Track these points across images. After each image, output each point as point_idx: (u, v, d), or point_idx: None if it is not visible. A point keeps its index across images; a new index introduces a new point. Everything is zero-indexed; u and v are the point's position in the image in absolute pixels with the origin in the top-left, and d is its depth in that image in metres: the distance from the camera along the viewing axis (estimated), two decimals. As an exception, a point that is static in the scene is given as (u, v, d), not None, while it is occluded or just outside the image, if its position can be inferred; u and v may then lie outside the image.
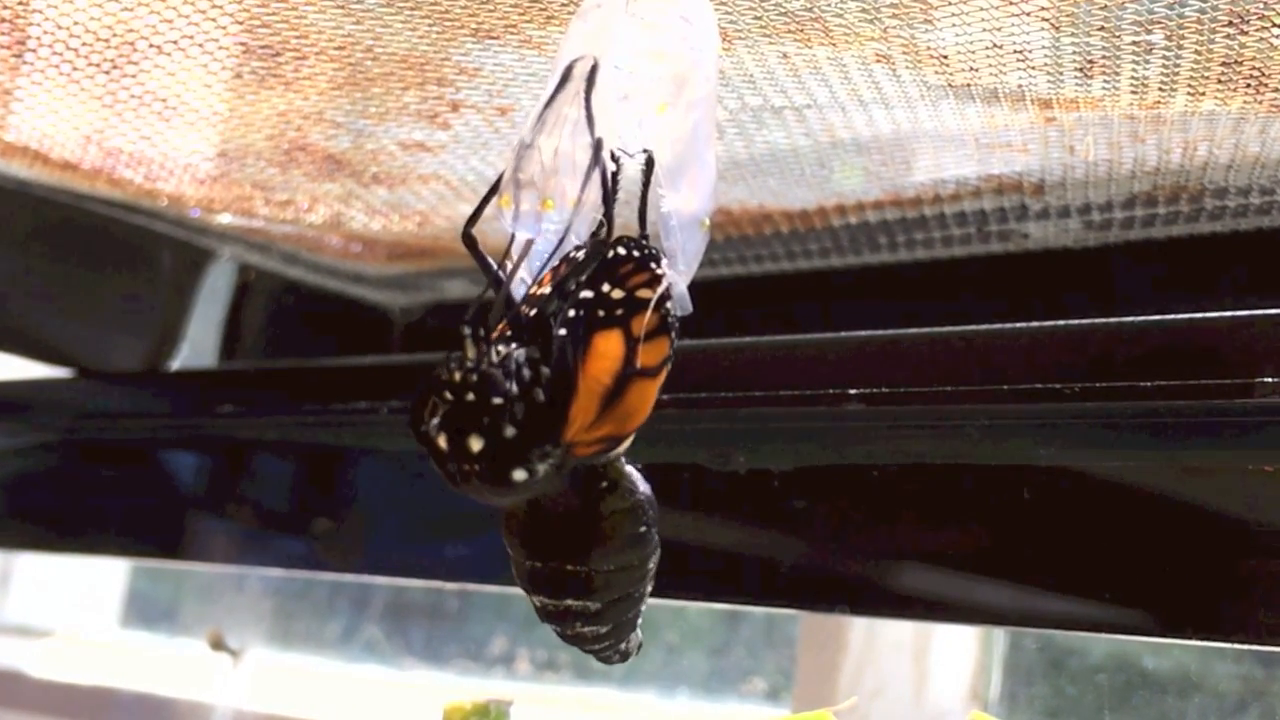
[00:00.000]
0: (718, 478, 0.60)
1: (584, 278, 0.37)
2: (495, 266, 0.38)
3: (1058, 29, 0.47)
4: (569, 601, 0.40)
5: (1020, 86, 0.52)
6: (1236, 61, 0.47)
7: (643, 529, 0.40)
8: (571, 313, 0.37)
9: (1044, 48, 0.48)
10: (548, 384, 0.36)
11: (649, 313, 0.37)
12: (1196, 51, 0.47)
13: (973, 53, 0.49)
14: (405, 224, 0.75)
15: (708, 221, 0.40)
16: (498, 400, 0.35)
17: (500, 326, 0.37)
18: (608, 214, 0.38)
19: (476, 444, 0.35)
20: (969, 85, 0.52)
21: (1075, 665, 0.75)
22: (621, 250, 0.38)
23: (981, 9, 0.46)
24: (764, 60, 0.52)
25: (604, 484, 0.40)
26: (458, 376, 0.35)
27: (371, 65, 0.56)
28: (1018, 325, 0.53)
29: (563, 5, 0.50)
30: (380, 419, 0.70)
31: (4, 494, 0.93)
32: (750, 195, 0.66)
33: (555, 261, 0.38)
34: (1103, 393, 0.50)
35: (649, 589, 0.41)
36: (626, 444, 0.39)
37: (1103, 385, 0.50)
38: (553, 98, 0.38)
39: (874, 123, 0.57)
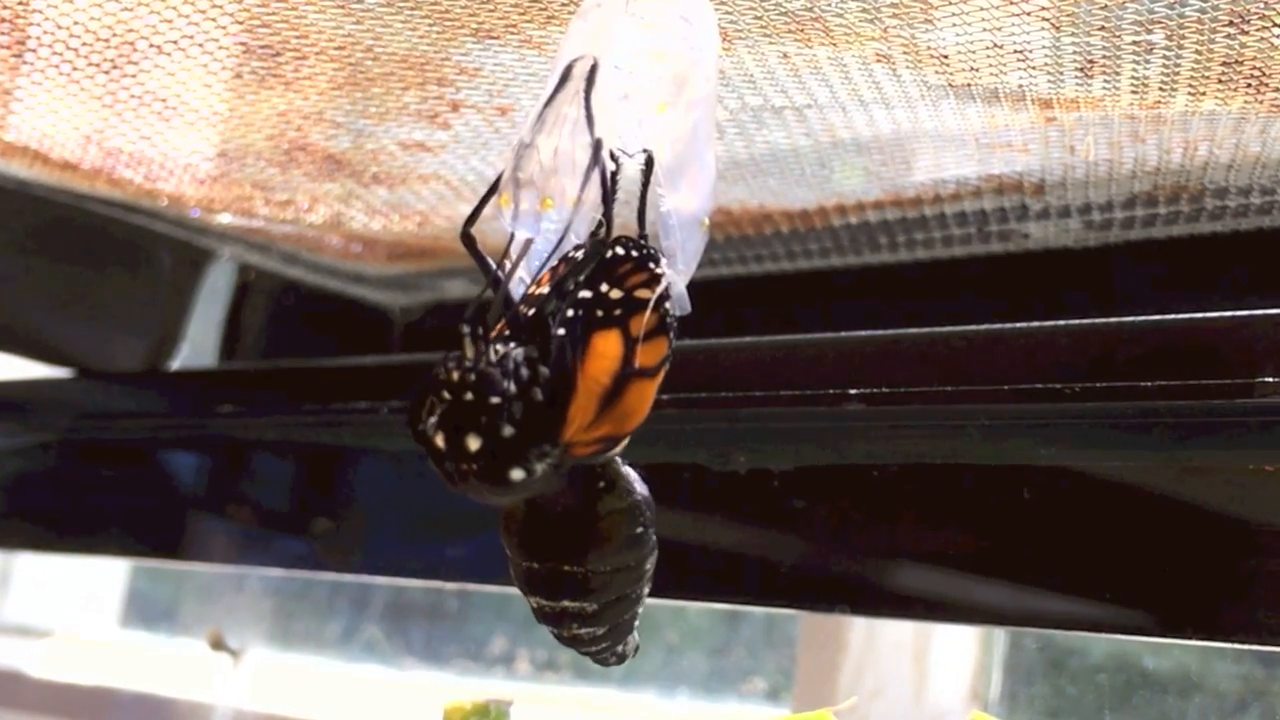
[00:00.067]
0: (718, 478, 0.60)
1: (582, 277, 0.37)
2: (494, 266, 0.38)
3: (1058, 29, 0.47)
4: (565, 603, 0.40)
5: (1021, 86, 0.52)
6: (1237, 61, 0.47)
7: (640, 530, 0.40)
8: (570, 312, 0.37)
9: (1044, 47, 0.48)
10: (546, 384, 0.36)
11: (648, 313, 0.37)
12: (1197, 51, 0.47)
13: (973, 52, 0.49)
14: (405, 224, 0.75)
15: (707, 221, 0.40)
16: (495, 400, 0.35)
17: (499, 326, 0.37)
18: (607, 214, 0.38)
19: (474, 443, 0.35)
20: (969, 85, 0.52)
21: (1076, 665, 0.75)
22: (620, 250, 0.38)
23: (982, 9, 0.46)
24: (764, 60, 0.52)
25: (601, 484, 0.40)
26: (456, 376, 0.35)
27: (372, 65, 0.56)
28: (1018, 325, 0.53)
29: (563, 5, 0.49)
30: (380, 419, 0.70)
31: (4, 494, 0.93)
32: (750, 195, 0.66)
33: (554, 261, 0.38)
34: (1103, 393, 0.50)
35: (646, 590, 0.41)
36: (623, 444, 0.39)
37: (1103, 385, 0.50)
38: (552, 97, 0.38)
39: (874, 122, 0.57)
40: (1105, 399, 0.50)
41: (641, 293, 0.37)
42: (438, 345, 0.36)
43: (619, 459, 0.40)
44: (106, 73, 0.58)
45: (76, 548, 0.95)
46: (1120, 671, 0.73)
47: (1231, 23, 0.45)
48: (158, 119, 0.63)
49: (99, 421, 0.87)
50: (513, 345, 0.36)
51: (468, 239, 0.39)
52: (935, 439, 0.56)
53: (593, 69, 0.37)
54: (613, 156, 0.38)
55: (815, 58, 0.51)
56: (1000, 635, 0.76)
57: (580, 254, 0.38)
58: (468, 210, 0.39)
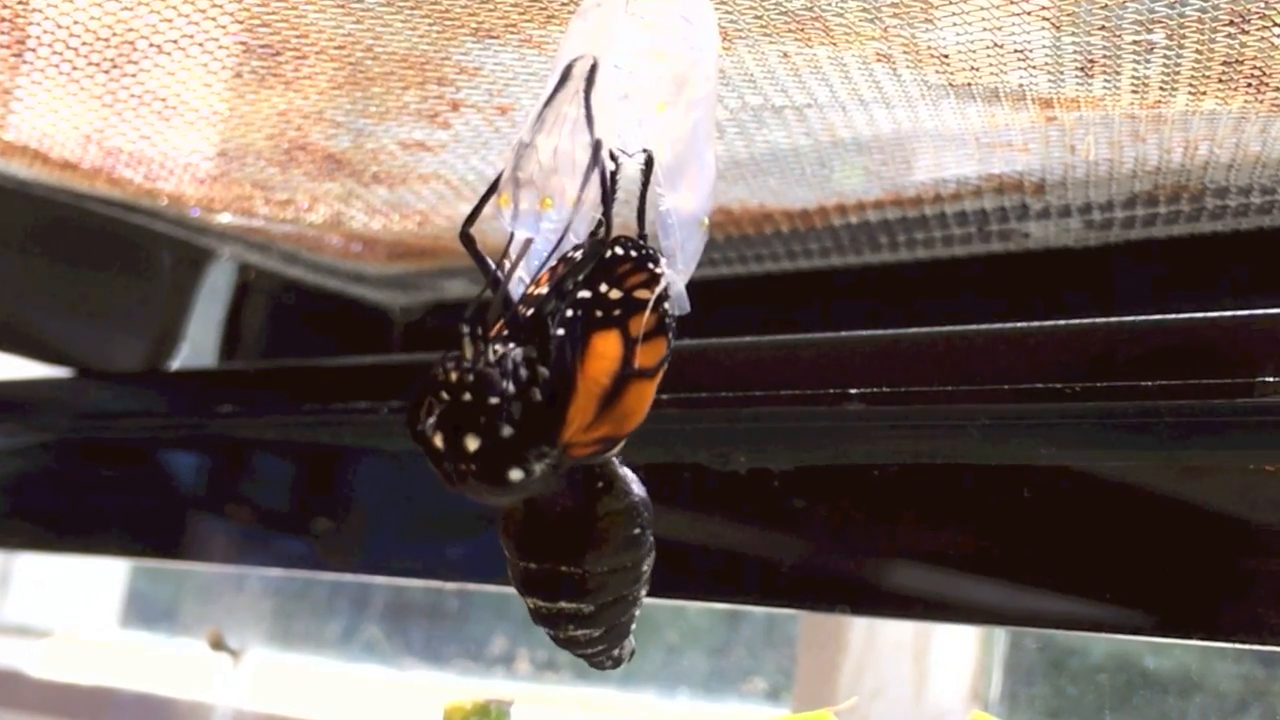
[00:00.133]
0: (718, 477, 0.60)
1: (582, 277, 0.37)
2: (493, 266, 0.38)
3: (1058, 28, 0.46)
4: (563, 604, 0.39)
5: (1021, 86, 0.52)
6: (1238, 61, 0.47)
7: (638, 531, 0.40)
8: (569, 313, 0.37)
9: (1045, 47, 0.48)
10: (545, 384, 0.36)
11: (647, 313, 0.37)
12: (1198, 51, 0.47)
13: (973, 52, 0.49)
14: (405, 223, 0.75)
15: (707, 221, 0.40)
16: (494, 400, 0.35)
17: (498, 326, 0.37)
18: (606, 213, 0.38)
19: (473, 444, 0.35)
20: (970, 84, 0.52)
21: (1076, 665, 0.75)
22: (619, 250, 0.38)
23: (982, 8, 0.46)
24: (764, 59, 0.52)
25: (599, 484, 0.40)
26: (454, 376, 0.35)
27: (372, 64, 0.56)
28: (1018, 325, 0.53)
29: (563, 4, 0.49)
30: (380, 419, 0.70)
31: (4, 494, 0.93)
32: (750, 194, 0.66)
33: (553, 261, 0.38)
34: (1103, 392, 0.50)
35: (643, 593, 0.41)
36: (621, 444, 0.39)
37: (1103, 385, 0.50)
38: (552, 97, 0.38)
39: (875, 122, 0.57)
40: (1105, 399, 0.50)
41: (641, 293, 0.37)
42: (438, 345, 0.36)
43: (617, 460, 0.40)
44: (106, 72, 0.58)
45: (76, 548, 0.95)
46: (1121, 671, 0.73)
47: (1232, 22, 0.45)
48: (158, 118, 0.63)
49: (99, 421, 0.87)
50: (512, 346, 0.36)
51: (467, 239, 0.39)
52: (935, 439, 0.56)
53: (593, 69, 0.37)
54: (612, 156, 0.38)
55: (815, 57, 0.51)
56: (1000, 635, 0.76)
57: (579, 254, 0.38)
58: (468, 210, 0.39)
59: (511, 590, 0.41)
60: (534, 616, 0.41)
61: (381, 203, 0.72)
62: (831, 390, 0.55)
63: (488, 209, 0.38)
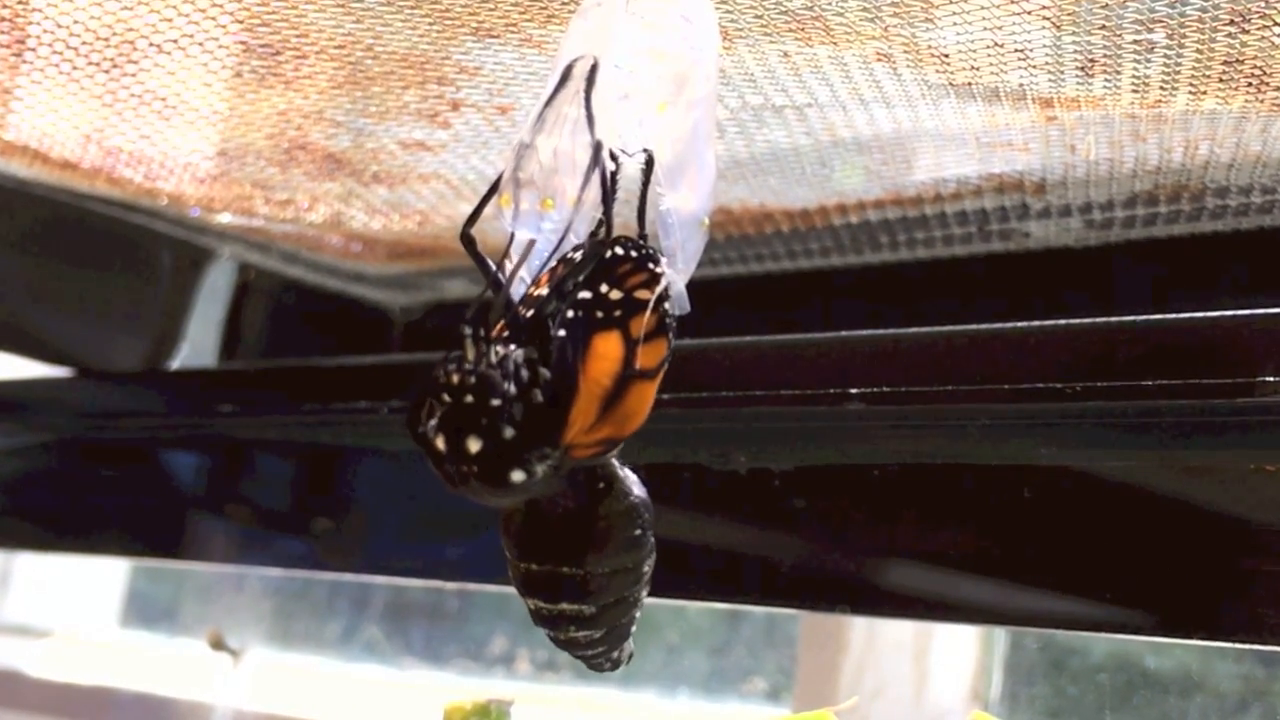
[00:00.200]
0: (718, 477, 0.60)
1: (582, 278, 0.37)
2: (494, 267, 0.38)
3: (1059, 27, 0.46)
4: (564, 605, 0.39)
5: (1021, 85, 0.51)
6: (1238, 60, 0.47)
7: (638, 531, 0.40)
8: (570, 314, 0.37)
9: (1045, 46, 0.48)
10: (547, 385, 0.36)
11: (647, 313, 0.37)
12: (1198, 50, 0.47)
13: (974, 51, 0.49)
14: (405, 223, 0.75)
15: (707, 221, 0.40)
16: (496, 402, 0.35)
17: (499, 327, 0.37)
18: (607, 214, 0.38)
19: (474, 445, 0.35)
20: (970, 84, 0.52)
21: (1076, 665, 0.75)
22: (619, 250, 0.38)
23: (982, 7, 0.46)
24: (765, 59, 0.52)
25: (600, 485, 0.40)
26: (456, 378, 0.35)
27: (372, 64, 0.56)
28: (1018, 324, 0.53)
29: (563, 4, 0.49)
30: (380, 419, 0.70)
31: (4, 494, 0.93)
32: (751, 194, 0.66)
33: (553, 262, 0.38)
34: (1104, 392, 0.50)
35: (644, 594, 0.41)
36: (621, 445, 0.39)
37: (1104, 384, 0.50)
38: (553, 97, 0.38)
39: (875, 121, 0.57)
40: (1106, 399, 0.50)
41: (641, 293, 0.37)
42: (438, 345, 0.36)
43: (617, 460, 0.40)
44: (106, 71, 0.58)
45: (76, 548, 0.95)
46: (1121, 671, 0.73)
47: (1232, 21, 0.45)
48: (158, 118, 0.63)
49: (99, 421, 0.87)
50: (513, 347, 0.36)
51: (468, 240, 0.39)
52: (935, 439, 0.56)
53: (593, 69, 0.37)
54: (613, 156, 0.38)
55: (816, 56, 0.51)
56: (1001, 635, 0.76)
57: (579, 255, 0.38)
58: (468, 209, 0.39)
59: (512, 590, 0.41)
60: (535, 618, 0.41)
61: (381, 202, 0.72)
62: (832, 390, 0.55)
63: (488, 210, 0.38)
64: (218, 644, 1.03)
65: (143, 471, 0.86)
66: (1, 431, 0.91)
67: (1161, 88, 0.50)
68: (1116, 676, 0.73)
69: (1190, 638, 0.51)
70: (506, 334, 0.37)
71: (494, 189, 0.38)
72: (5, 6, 0.54)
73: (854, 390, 0.55)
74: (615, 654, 0.42)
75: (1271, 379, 0.47)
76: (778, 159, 0.62)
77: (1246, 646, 0.57)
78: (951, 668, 0.78)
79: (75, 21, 0.55)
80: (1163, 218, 0.62)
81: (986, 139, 0.57)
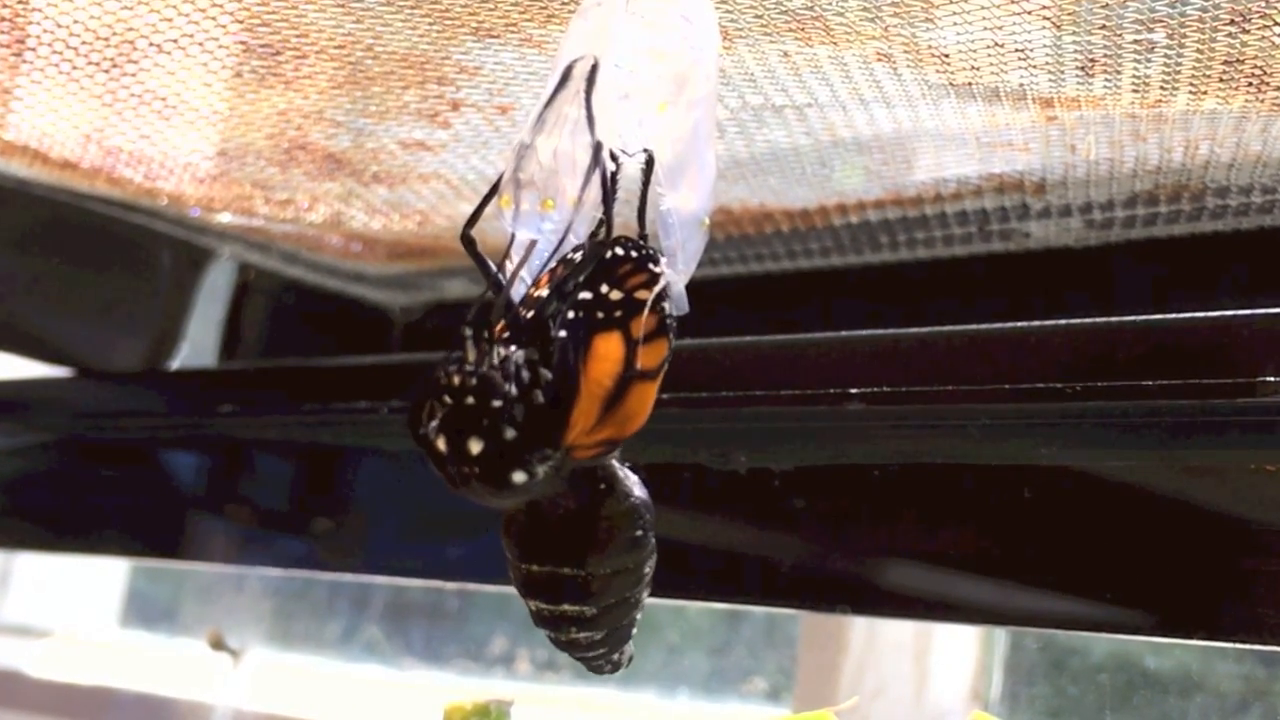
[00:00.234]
0: (718, 477, 0.60)
1: (582, 279, 0.37)
2: (494, 268, 0.38)
3: (1059, 27, 0.46)
4: (565, 606, 0.39)
5: (1022, 85, 0.51)
6: (1238, 60, 0.47)
7: (639, 532, 0.40)
8: (570, 314, 0.37)
9: (1045, 46, 0.48)
10: (548, 386, 0.36)
11: (646, 313, 0.37)
12: (1198, 50, 0.47)
13: (974, 51, 0.49)
14: (405, 223, 0.75)
15: (708, 220, 0.40)
16: (497, 403, 0.35)
17: (499, 328, 0.37)
18: (607, 214, 0.38)
19: (476, 446, 0.35)
20: (970, 84, 0.52)
21: (1077, 665, 0.75)
22: (620, 250, 0.38)
23: (983, 7, 0.46)
24: (765, 59, 0.52)
25: (602, 486, 0.39)
26: (457, 379, 0.35)
27: (372, 64, 0.56)
28: (1019, 324, 0.53)
29: (563, 4, 0.49)
30: (380, 419, 0.70)
31: (4, 494, 0.93)
32: (751, 194, 0.66)
33: (554, 263, 0.38)
34: (1104, 392, 0.50)
35: (645, 595, 0.41)
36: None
37: (1104, 384, 0.50)
38: (553, 97, 0.38)
39: (875, 121, 0.57)
40: (1106, 399, 0.50)
41: (642, 294, 0.37)
42: (438, 345, 0.36)
43: (618, 461, 0.40)
44: (106, 71, 0.58)
45: (76, 548, 0.95)
46: (1121, 671, 0.73)
47: (1233, 21, 0.45)
48: (157, 118, 0.63)
49: (99, 421, 0.87)
50: (513, 348, 0.36)
51: (468, 241, 0.39)
52: (935, 439, 0.56)
53: (593, 69, 0.37)
54: (613, 156, 0.38)
55: (816, 56, 0.51)
56: (1001, 635, 0.76)
57: (579, 255, 0.38)
58: (468, 209, 0.39)
59: (512, 590, 0.41)
60: (535, 619, 0.41)
61: (381, 202, 0.72)
62: (832, 390, 0.55)
63: (489, 210, 0.38)
64: (218, 644, 1.03)
65: (143, 471, 0.86)
66: (1, 431, 0.91)
67: (1162, 87, 0.50)
68: (1117, 676, 0.73)
69: (1190, 638, 0.51)
70: (507, 335, 0.37)
71: (494, 190, 0.38)
72: (5, 6, 0.54)
73: (854, 390, 0.55)
74: (616, 656, 0.42)
75: (1272, 379, 0.47)
76: (778, 159, 0.62)
77: (1246, 646, 0.57)
78: (951, 668, 0.78)
79: (75, 21, 0.54)
80: (1163, 218, 0.62)
81: (987, 139, 0.57)
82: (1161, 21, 0.45)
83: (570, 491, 0.39)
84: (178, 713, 1.05)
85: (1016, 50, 0.48)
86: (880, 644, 0.77)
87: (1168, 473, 0.52)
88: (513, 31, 0.52)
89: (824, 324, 0.59)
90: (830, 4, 0.47)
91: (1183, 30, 0.46)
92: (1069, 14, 0.45)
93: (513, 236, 0.38)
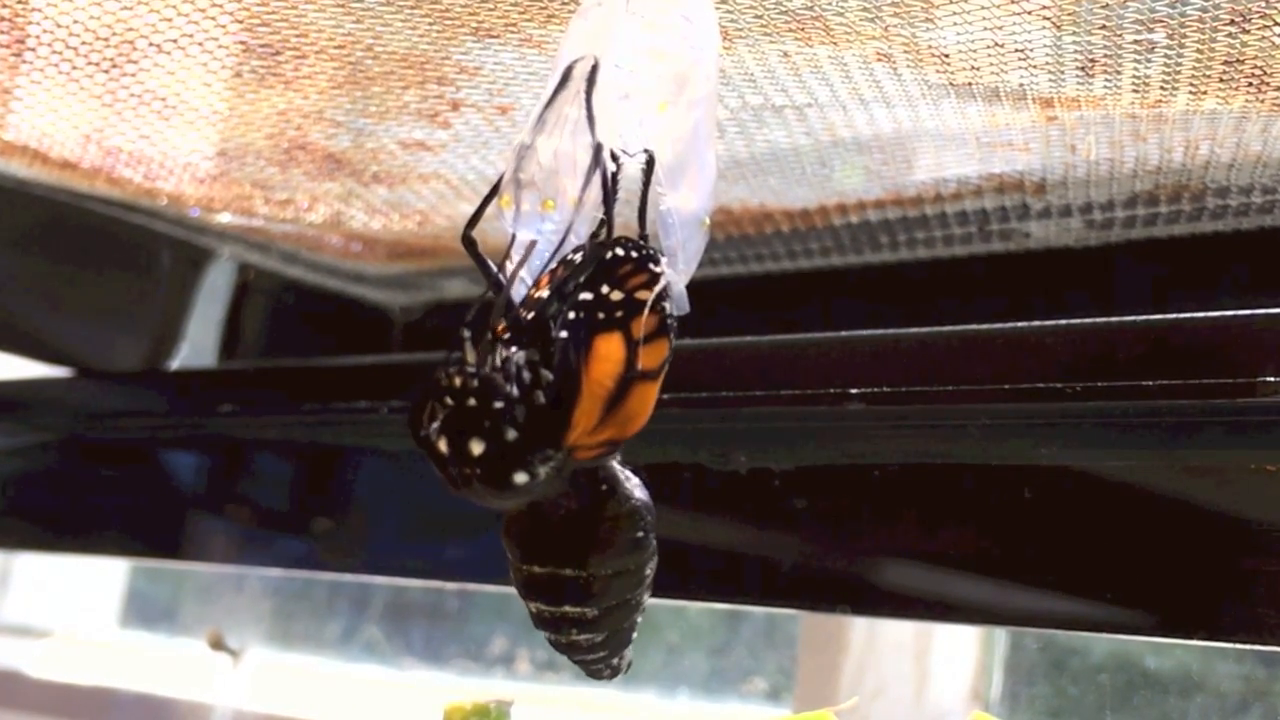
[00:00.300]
0: (718, 477, 0.60)
1: (582, 279, 0.37)
2: (495, 269, 0.38)
3: (1059, 27, 0.46)
4: (566, 607, 0.39)
5: (1022, 85, 0.51)
6: (1238, 60, 0.47)
7: (640, 534, 0.40)
8: (571, 315, 0.37)
9: (1045, 46, 0.48)
10: (549, 387, 0.36)
11: (647, 313, 0.37)
12: (1198, 50, 0.47)
13: (974, 51, 0.49)
14: (405, 223, 0.75)
15: (708, 220, 0.40)
16: (499, 404, 0.35)
17: (499, 329, 0.37)
18: (608, 215, 0.38)
19: (477, 447, 0.35)
20: (970, 84, 0.52)
21: (1077, 665, 0.75)
22: (620, 251, 0.38)
23: (983, 7, 0.46)
24: (765, 59, 0.52)
25: (603, 487, 0.39)
26: (458, 381, 0.35)
27: (372, 64, 0.56)
28: (1019, 324, 0.53)
29: (563, 4, 0.49)
30: (380, 419, 0.70)
31: (4, 494, 0.93)
32: (751, 194, 0.66)
33: (554, 264, 0.38)
34: (1104, 392, 0.50)
35: (646, 597, 0.41)
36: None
37: (1104, 384, 0.50)
38: (553, 97, 0.38)
39: (875, 121, 0.57)
40: (1106, 398, 0.50)
41: (642, 294, 0.37)
42: (438, 345, 0.36)
43: (618, 462, 0.40)
44: (106, 71, 0.58)
45: (76, 548, 0.95)
46: (1121, 671, 0.73)
47: (1233, 21, 0.45)
48: (157, 118, 0.63)
49: (99, 421, 0.87)
50: (514, 349, 0.36)
51: (469, 242, 0.39)
52: (935, 439, 0.56)
53: (593, 69, 0.37)
54: (613, 156, 0.38)
55: (816, 56, 0.51)
56: (1001, 635, 0.76)
57: (579, 256, 0.38)
58: (468, 210, 0.39)
59: (512, 590, 0.41)
60: (536, 621, 0.41)
61: (381, 202, 0.72)
62: (832, 390, 0.55)
63: (490, 210, 0.38)
64: (217, 644, 1.03)
65: (143, 471, 0.86)
66: (1, 431, 0.91)
67: (1162, 88, 0.50)
68: (1117, 676, 0.73)
69: (1190, 638, 0.51)
70: (508, 336, 0.37)
71: (495, 190, 0.38)
72: (5, 6, 0.54)
73: (854, 390, 0.55)
74: (615, 660, 0.42)
75: (1272, 379, 0.47)
76: (778, 159, 0.62)
77: (1246, 646, 0.57)
78: (952, 668, 0.78)
79: (75, 21, 0.54)
80: (1163, 218, 0.62)
81: (987, 139, 0.57)
82: (1161, 21, 0.45)
83: (571, 492, 0.39)
84: (178, 713, 1.05)
85: (1016, 50, 0.48)
86: (880, 644, 0.77)
87: (1168, 473, 0.52)
88: (513, 31, 0.52)
89: (824, 324, 0.59)
90: (830, 4, 0.47)
91: (1183, 30, 0.46)
92: (1069, 14, 0.45)
93: (513, 237, 0.38)
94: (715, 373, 0.59)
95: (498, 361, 0.36)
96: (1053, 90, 0.52)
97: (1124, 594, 0.52)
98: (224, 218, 0.77)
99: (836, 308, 0.74)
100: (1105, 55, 0.48)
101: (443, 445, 0.35)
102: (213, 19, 0.53)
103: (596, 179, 0.37)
